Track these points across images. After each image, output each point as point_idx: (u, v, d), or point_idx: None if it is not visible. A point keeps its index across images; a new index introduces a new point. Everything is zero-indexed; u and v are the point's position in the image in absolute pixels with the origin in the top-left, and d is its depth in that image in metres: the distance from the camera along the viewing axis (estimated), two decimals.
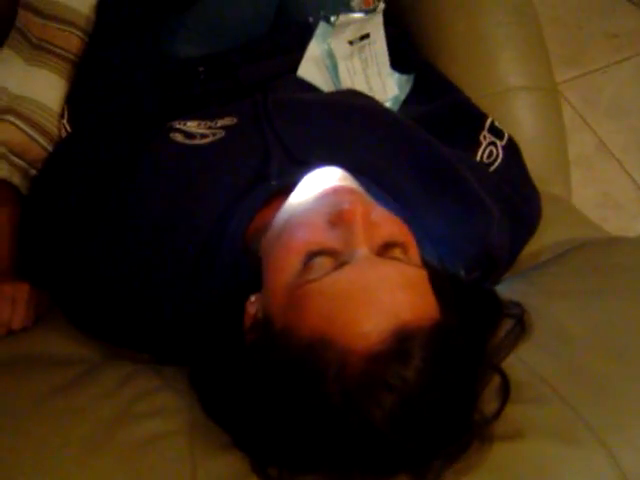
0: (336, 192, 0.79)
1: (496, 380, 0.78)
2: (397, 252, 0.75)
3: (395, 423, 0.65)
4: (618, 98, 2.29)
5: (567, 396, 0.77)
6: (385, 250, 0.74)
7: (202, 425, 0.77)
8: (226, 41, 1.24)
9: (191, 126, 1.00)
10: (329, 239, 0.73)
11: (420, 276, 0.74)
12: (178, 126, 1.00)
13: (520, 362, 0.81)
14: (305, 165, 0.90)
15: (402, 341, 0.66)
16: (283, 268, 0.74)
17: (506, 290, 0.92)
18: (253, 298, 0.80)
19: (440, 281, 0.78)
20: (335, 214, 0.74)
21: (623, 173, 2.16)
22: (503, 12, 1.35)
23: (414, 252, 0.77)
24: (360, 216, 0.73)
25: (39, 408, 0.79)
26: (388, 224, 0.77)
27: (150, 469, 0.73)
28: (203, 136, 0.97)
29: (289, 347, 0.70)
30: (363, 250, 0.72)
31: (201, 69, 1.21)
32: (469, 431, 0.71)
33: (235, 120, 1.01)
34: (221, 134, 0.98)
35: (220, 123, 1.00)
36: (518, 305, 0.85)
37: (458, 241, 0.94)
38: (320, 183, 0.81)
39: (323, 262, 0.72)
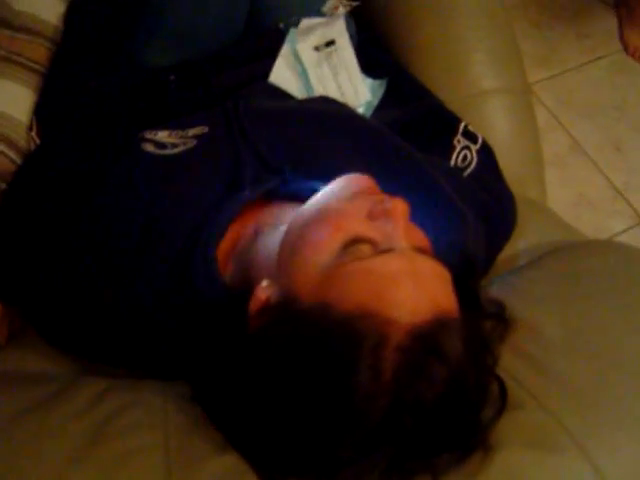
0: (372, 191, 0.82)
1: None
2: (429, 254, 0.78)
3: (441, 400, 0.67)
4: (591, 98, 2.30)
5: (546, 403, 0.77)
6: (417, 247, 0.76)
7: (177, 439, 0.77)
8: (198, 49, 1.23)
9: (162, 136, 0.99)
10: (370, 229, 0.75)
11: (449, 275, 0.76)
12: (149, 136, 0.99)
13: (498, 369, 0.81)
14: (279, 172, 0.90)
15: (441, 327, 0.68)
16: (321, 249, 0.75)
17: (483, 295, 0.91)
18: (265, 283, 0.78)
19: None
20: (379, 209, 0.76)
21: (597, 172, 2.17)
22: (475, 15, 1.34)
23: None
24: (406, 211, 0.76)
25: (13, 427, 0.78)
26: (417, 229, 0.80)
27: None
28: (174, 146, 0.96)
29: (322, 321, 0.70)
30: (404, 242, 0.75)
31: (172, 78, 1.19)
32: (476, 434, 0.72)
33: (207, 129, 1.00)
34: (192, 143, 0.97)
35: (192, 132, 0.99)
36: (498, 304, 0.87)
37: (433, 247, 0.94)
38: (354, 183, 0.84)
39: (361, 249, 0.74)
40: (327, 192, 0.83)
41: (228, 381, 0.75)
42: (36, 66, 1.18)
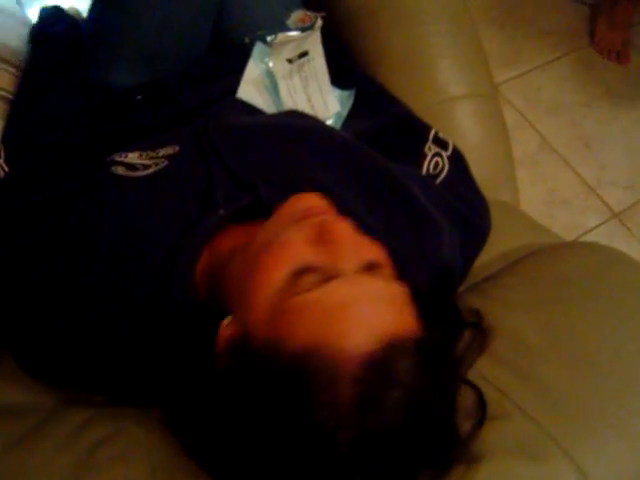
0: (317, 212, 0.80)
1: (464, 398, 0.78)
2: (379, 272, 0.76)
3: (405, 424, 0.66)
4: (558, 95, 2.32)
5: (530, 410, 0.77)
6: (368, 269, 0.75)
7: (163, 469, 0.76)
8: (165, 68, 1.22)
9: (132, 157, 0.98)
10: (315, 256, 0.74)
11: (404, 293, 0.75)
12: (119, 159, 0.97)
13: (480, 378, 0.81)
14: (252, 189, 0.89)
15: (390, 354, 0.67)
16: (267, 283, 0.74)
17: (461, 304, 0.91)
18: (226, 321, 0.78)
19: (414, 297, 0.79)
20: (322, 233, 0.75)
21: (568, 169, 2.19)
22: (438, 21, 1.35)
23: (391, 271, 0.79)
24: (350, 233, 0.76)
25: None
26: (368, 245, 0.79)
27: None
28: (145, 167, 0.95)
29: (274, 359, 0.69)
30: (350, 266, 0.74)
31: (139, 97, 1.19)
32: (453, 447, 0.71)
33: (177, 148, 0.99)
34: (164, 164, 0.96)
35: (162, 152, 0.98)
36: (476, 313, 0.86)
37: (409, 257, 0.94)
38: (301, 204, 0.82)
39: (308, 279, 0.73)
40: (276, 217, 0.83)
41: (198, 411, 0.76)
42: (1, 92, 1.16)
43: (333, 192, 0.93)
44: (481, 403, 0.76)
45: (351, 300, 0.70)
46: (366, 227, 0.89)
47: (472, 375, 0.81)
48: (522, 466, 0.73)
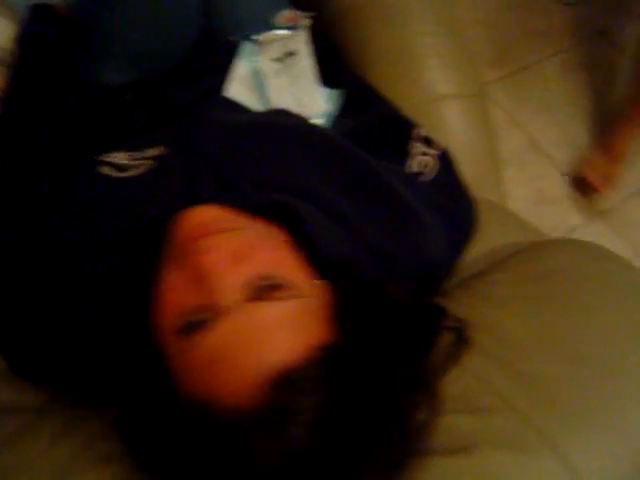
0: (188, 244, 0.76)
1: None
2: (269, 287, 0.73)
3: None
4: (545, 95, 2.33)
5: (516, 403, 0.78)
6: (255, 288, 0.72)
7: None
8: (152, 66, 1.22)
9: (119, 157, 0.98)
10: (195, 297, 0.72)
11: (299, 307, 0.73)
12: (106, 159, 0.97)
13: (466, 371, 0.82)
14: (237, 189, 0.89)
15: (279, 392, 0.65)
16: (161, 339, 0.74)
17: (448, 300, 0.92)
18: None
19: (355, 298, 0.78)
20: (193, 274, 0.73)
21: (554, 169, 2.20)
22: (425, 22, 1.35)
23: (295, 278, 0.76)
24: (214, 266, 0.72)
25: None
26: (257, 256, 0.75)
27: None
28: (132, 167, 0.95)
29: (176, 408, 0.70)
30: (224, 300, 0.70)
31: (127, 97, 1.19)
32: (401, 446, 0.70)
33: (163, 149, 0.99)
34: (150, 165, 0.96)
35: (149, 153, 0.98)
36: (459, 320, 0.85)
37: (395, 253, 0.94)
38: (179, 232, 0.80)
39: (199, 323, 0.71)
40: (166, 249, 0.81)
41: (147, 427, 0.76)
42: None
43: (316, 190, 0.94)
44: (432, 402, 0.75)
45: (223, 347, 0.68)
46: (341, 221, 0.90)
47: (456, 368, 0.81)
48: (508, 459, 0.73)
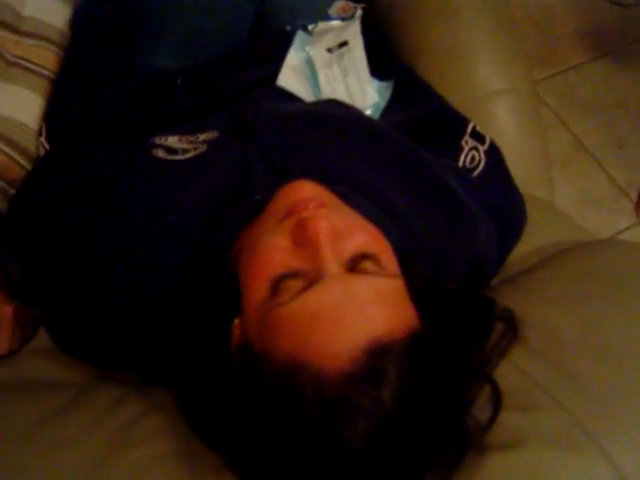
0: (299, 208, 0.77)
1: (489, 388, 0.78)
2: (368, 264, 0.74)
3: (371, 445, 0.64)
4: (593, 95, 2.30)
5: (563, 402, 0.77)
6: (355, 263, 0.74)
7: (200, 445, 0.77)
8: (205, 52, 1.22)
9: (172, 141, 0.99)
10: (295, 260, 0.73)
11: (393, 287, 0.73)
12: (159, 142, 0.99)
13: (514, 368, 0.81)
14: (289, 177, 0.90)
15: (375, 358, 0.66)
16: (253, 294, 0.74)
17: (495, 296, 0.91)
18: (237, 321, 0.79)
19: (423, 289, 0.78)
20: (299, 233, 0.73)
21: (600, 170, 2.17)
22: (480, 16, 1.34)
23: (388, 261, 0.76)
24: (325, 232, 0.72)
25: (30, 438, 0.78)
26: (358, 235, 0.76)
27: None
28: (185, 151, 0.96)
29: (268, 369, 0.70)
30: (330, 267, 0.71)
31: (179, 82, 1.19)
32: (462, 441, 0.71)
33: (216, 134, 1.00)
34: (203, 148, 0.97)
35: (202, 137, 0.99)
36: (507, 310, 0.85)
37: (446, 249, 0.94)
38: (286, 199, 0.80)
39: (291, 285, 0.72)
40: (264, 214, 0.82)
41: (214, 403, 0.76)
42: (44, 71, 1.17)
43: (366, 181, 0.94)
44: (495, 395, 0.76)
45: (324, 310, 0.68)
46: (390, 213, 0.90)
47: (505, 365, 0.81)
48: (553, 456, 0.72)
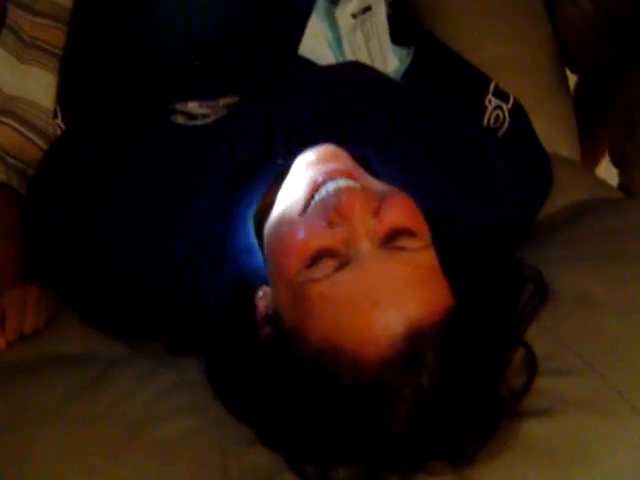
0: (326, 179, 0.75)
1: (521, 351, 0.76)
2: (402, 240, 0.72)
3: (411, 428, 0.64)
4: None
5: (597, 365, 0.75)
6: (390, 239, 0.72)
7: (230, 419, 0.76)
8: (206, 22, 1.21)
9: (192, 107, 0.98)
10: (329, 238, 0.71)
11: (428, 262, 0.72)
12: (180, 108, 0.98)
13: (545, 331, 0.80)
14: (312, 141, 0.88)
15: (413, 343, 0.65)
16: (285, 269, 0.72)
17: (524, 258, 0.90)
18: (261, 293, 0.79)
19: (454, 256, 0.77)
20: (332, 211, 0.72)
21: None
22: None
23: (422, 232, 0.74)
24: (358, 210, 0.71)
25: (61, 414, 0.77)
26: (392, 209, 0.73)
27: (183, 465, 0.72)
28: (205, 116, 0.96)
29: (301, 348, 0.69)
30: (365, 246, 0.70)
31: (197, 64, 1.17)
32: (497, 410, 0.70)
33: (237, 98, 0.99)
34: (223, 112, 0.96)
35: (222, 102, 0.99)
36: (535, 269, 0.83)
37: (474, 210, 0.93)
38: (312, 167, 0.79)
39: (325, 262, 0.70)
40: (290, 186, 0.80)
41: (244, 375, 0.76)
42: (57, 51, 1.17)
43: (393, 141, 0.92)
44: (531, 361, 0.75)
45: (359, 293, 0.67)
46: (416, 175, 0.88)
47: (535, 327, 0.79)
48: (590, 420, 0.71)
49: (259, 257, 0.82)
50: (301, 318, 0.70)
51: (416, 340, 0.65)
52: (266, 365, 0.73)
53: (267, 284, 0.79)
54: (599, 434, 0.71)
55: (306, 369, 0.68)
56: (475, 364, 0.69)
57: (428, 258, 0.72)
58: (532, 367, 0.74)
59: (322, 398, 0.67)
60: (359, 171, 0.79)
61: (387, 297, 0.67)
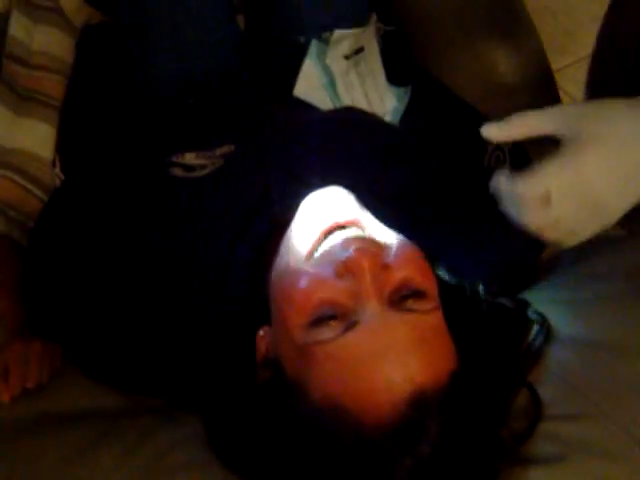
0: (339, 228, 0.76)
1: (527, 395, 0.76)
2: (411, 302, 0.71)
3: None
4: None
5: (609, 410, 0.74)
6: (399, 299, 0.71)
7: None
8: (198, 62, 1.22)
9: (189, 158, 0.98)
10: (337, 293, 0.70)
11: (435, 325, 0.71)
12: (176, 160, 0.98)
13: (552, 375, 0.79)
14: (309, 185, 0.88)
15: (417, 409, 0.64)
16: (289, 324, 0.71)
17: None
18: (262, 332, 0.79)
19: (459, 311, 0.76)
20: (341, 265, 0.71)
21: None
22: (492, 5, 1.32)
23: (431, 291, 0.73)
24: (367, 265, 0.70)
25: (62, 474, 0.77)
26: (401, 263, 0.73)
27: None
28: (203, 167, 0.96)
29: (302, 402, 0.69)
30: (373, 305, 0.69)
31: (191, 101, 1.18)
32: (498, 455, 0.70)
33: (233, 147, 0.98)
34: (220, 162, 0.96)
35: (219, 152, 0.98)
36: (538, 313, 0.83)
37: (479, 256, 0.92)
38: (321, 215, 0.78)
39: (331, 324, 0.69)
40: (296, 232, 0.79)
41: (240, 424, 0.76)
42: (56, 103, 1.17)
43: (388, 187, 0.92)
44: (536, 405, 0.74)
45: (367, 355, 0.66)
46: (414, 224, 0.87)
47: (544, 374, 0.79)
48: (603, 466, 0.70)
49: (255, 304, 0.82)
50: (304, 373, 0.69)
51: (420, 407, 0.64)
52: (263, 413, 0.73)
53: (269, 325, 0.79)
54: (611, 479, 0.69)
55: (306, 425, 0.68)
56: (477, 420, 0.68)
57: (436, 320, 0.72)
58: (537, 410, 0.74)
59: (322, 456, 0.66)
60: (366, 216, 0.79)
61: (394, 361, 0.66)
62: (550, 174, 0.75)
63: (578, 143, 0.74)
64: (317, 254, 0.75)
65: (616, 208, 0.75)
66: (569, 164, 0.74)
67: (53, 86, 1.18)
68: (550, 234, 0.78)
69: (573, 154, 0.74)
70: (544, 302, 0.88)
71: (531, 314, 0.83)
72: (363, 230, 0.76)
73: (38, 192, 1.09)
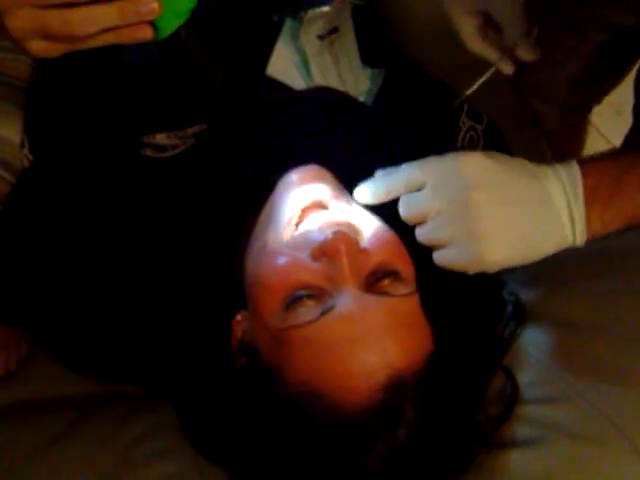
0: (316, 209, 0.75)
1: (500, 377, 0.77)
2: (387, 283, 0.71)
3: (385, 471, 0.64)
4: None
5: (585, 391, 0.74)
6: (375, 280, 0.71)
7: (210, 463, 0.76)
8: None
9: (160, 138, 0.96)
10: (313, 276, 0.70)
11: (412, 310, 0.71)
12: (147, 140, 0.96)
13: (531, 358, 0.79)
14: (282, 165, 0.87)
15: (394, 393, 0.65)
16: (264, 308, 0.71)
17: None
18: (239, 317, 0.78)
19: (435, 293, 0.76)
20: (317, 248, 0.70)
21: (599, 137, 2.18)
22: None
23: (408, 275, 0.73)
24: (345, 249, 0.69)
25: (36, 462, 0.76)
26: (378, 247, 0.73)
27: None
28: (174, 147, 0.94)
29: (279, 388, 0.68)
30: (349, 289, 0.69)
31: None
32: (474, 439, 0.70)
33: (205, 126, 0.97)
34: (192, 142, 0.94)
35: (190, 131, 0.97)
36: (513, 293, 0.84)
37: None
38: (299, 192, 0.77)
39: (305, 303, 0.69)
40: (270, 210, 0.79)
41: (214, 409, 0.76)
42: (20, 83, 1.14)
43: (360, 164, 0.91)
44: (513, 389, 0.75)
45: (343, 340, 0.66)
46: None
47: (521, 357, 0.79)
48: (579, 447, 0.70)
49: (232, 286, 0.81)
50: (280, 358, 0.69)
51: (397, 391, 0.64)
52: (239, 399, 0.72)
53: (247, 309, 0.78)
54: (589, 462, 0.70)
55: (283, 411, 0.67)
56: (454, 403, 0.69)
57: (413, 304, 0.71)
58: (513, 393, 0.74)
59: (298, 442, 0.66)
60: (344, 195, 0.79)
61: (371, 346, 0.66)
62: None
63: None
64: (295, 233, 0.74)
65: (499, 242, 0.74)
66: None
67: (18, 66, 1.15)
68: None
69: None
70: (520, 282, 0.88)
71: (505, 294, 0.83)
72: (342, 212, 0.75)
73: (6, 175, 1.06)
